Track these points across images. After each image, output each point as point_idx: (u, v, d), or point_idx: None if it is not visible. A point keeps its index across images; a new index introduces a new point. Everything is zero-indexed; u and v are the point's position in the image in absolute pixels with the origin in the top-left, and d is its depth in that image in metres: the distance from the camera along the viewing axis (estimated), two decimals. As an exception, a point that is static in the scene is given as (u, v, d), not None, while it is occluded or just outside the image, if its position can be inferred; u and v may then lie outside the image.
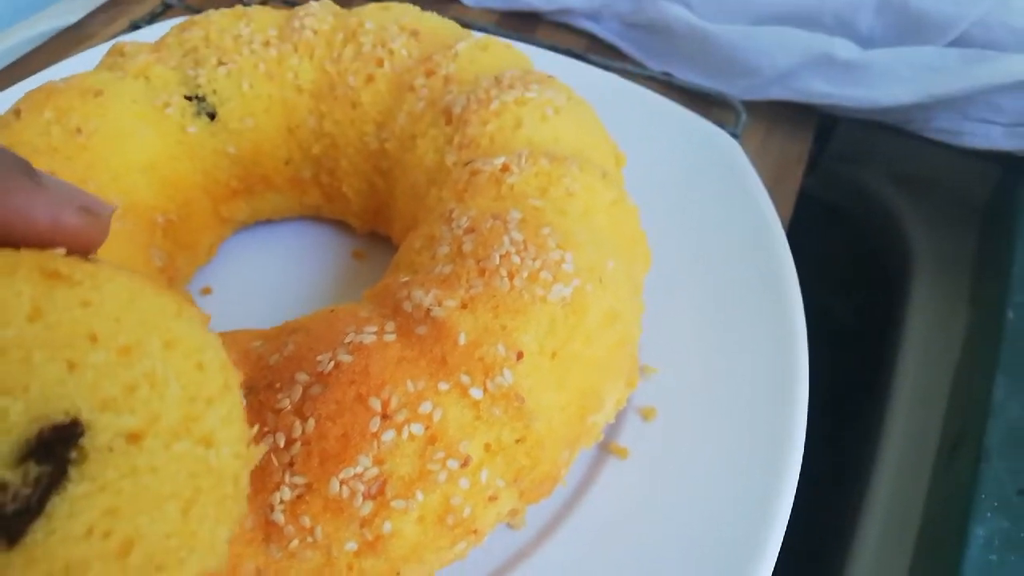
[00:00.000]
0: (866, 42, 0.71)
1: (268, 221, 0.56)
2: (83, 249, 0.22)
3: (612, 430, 0.44)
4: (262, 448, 0.25)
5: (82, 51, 0.69)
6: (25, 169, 0.21)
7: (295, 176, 0.53)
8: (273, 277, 0.53)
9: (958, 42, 0.69)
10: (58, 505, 0.20)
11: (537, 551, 0.41)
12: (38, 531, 0.19)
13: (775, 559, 0.40)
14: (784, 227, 0.55)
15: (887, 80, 0.68)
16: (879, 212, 0.78)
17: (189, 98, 0.49)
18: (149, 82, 0.49)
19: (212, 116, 0.49)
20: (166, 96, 0.49)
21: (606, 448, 0.44)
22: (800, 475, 0.43)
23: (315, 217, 0.57)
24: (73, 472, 0.20)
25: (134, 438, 0.21)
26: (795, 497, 0.42)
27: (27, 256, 0.21)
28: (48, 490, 0.20)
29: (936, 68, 0.67)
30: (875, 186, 0.79)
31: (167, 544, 0.21)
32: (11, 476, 0.19)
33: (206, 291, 0.52)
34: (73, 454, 0.20)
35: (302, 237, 0.56)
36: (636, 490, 0.43)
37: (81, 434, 0.20)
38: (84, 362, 0.20)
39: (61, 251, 0.21)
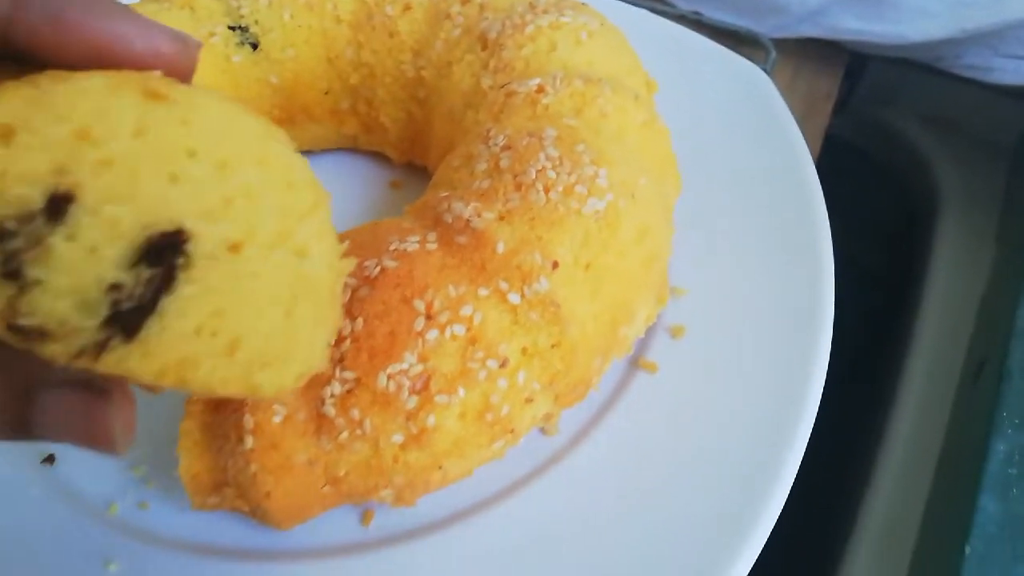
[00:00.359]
0: (897, -22, 0.71)
1: (307, 152, 0.58)
2: (176, 78, 0.24)
3: (643, 345, 0.46)
4: (352, 261, 0.27)
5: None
6: (120, 2, 0.23)
7: (334, 106, 0.54)
8: (313, 205, 0.55)
9: (991, -23, 0.69)
10: (169, 305, 0.22)
11: (569, 455, 0.42)
12: (152, 327, 0.21)
13: (795, 470, 0.41)
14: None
15: (917, 15, 0.68)
16: (908, 152, 0.78)
17: (233, 28, 0.51)
18: (194, 12, 0.50)
19: (255, 46, 0.51)
20: (211, 26, 0.50)
21: (636, 363, 0.46)
22: (826, 398, 0.44)
23: (353, 149, 0.58)
24: (181, 276, 0.22)
25: (235, 247, 0.23)
26: (821, 417, 0.43)
27: (129, 76, 0.22)
28: (159, 291, 0.21)
29: (967, 3, 0.67)
30: (904, 126, 0.79)
31: (271, 344, 0.23)
32: (126, 277, 0.21)
33: (250, 217, 0.54)
34: (180, 260, 0.22)
35: (341, 168, 0.58)
36: (664, 402, 0.44)
37: (185, 241, 0.22)
38: (185, 175, 0.22)
39: (158, 73, 0.23)
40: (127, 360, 0.21)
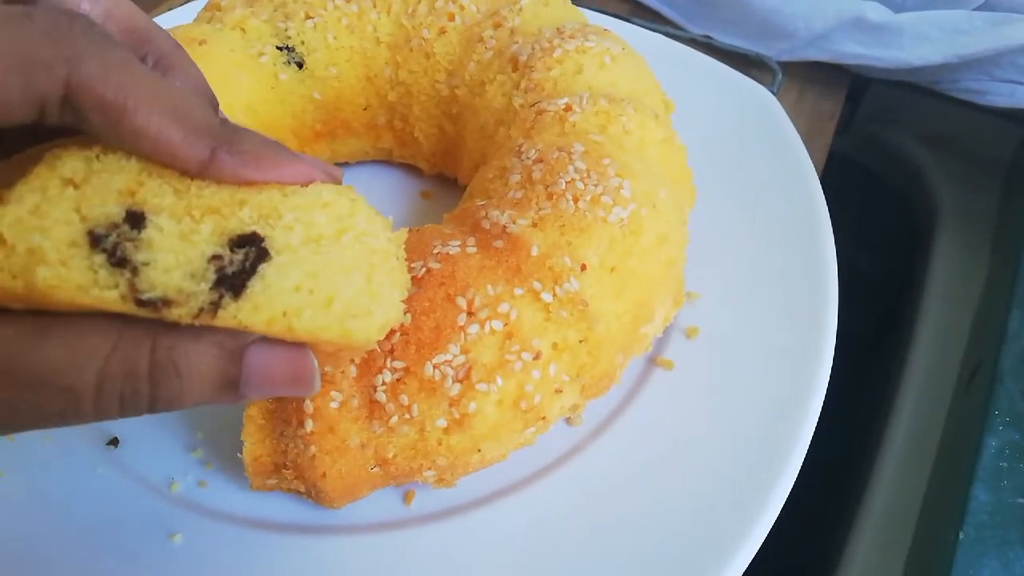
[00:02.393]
0: (897, 6, 0.75)
1: (345, 164, 0.62)
2: None
3: (660, 345, 0.50)
4: (403, 231, 0.32)
5: (160, 13, 0.75)
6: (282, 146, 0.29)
7: (372, 121, 0.58)
8: (350, 213, 0.59)
9: (985, 7, 0.73)
10: (267, 270, 0.26)
11: (593, 444, 0.46)
12: (255, 286, 0.26)
13: (801, 460, 0.44)
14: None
15: (916, 42, 0.72)
16: (908, 170, 0.82)
17: (280, 48, 0.55)
18: (245, 33, 0.54)
19: (300, 65, 0.55)
20: (260, 46, 0.54)
21: (654, 361, 0.49)
22: (832, 397, 0.48)
23: (386, 161, 0.62)
24: (272, 252, 0.27)
25: (307, 241, 0.28)
26: (828, 413, 0.47)
27: None
28: (257, 260, 0.26)
29: (963, 31, 0.71)
30: (904, 145, 0.83)
31: (358, 300, 0.27)
32: (223, 251, 0.26)
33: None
34: (264, 246, 0.27)
35: (375, 178, 0.62)
36: (679, 397, 0.48)
37: (263, 240, 0.27)
38: (251, 200, 0.28)
39: None
40: (239, 313, 0.26)
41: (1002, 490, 0.48)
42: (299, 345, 0.27)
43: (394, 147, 0.60)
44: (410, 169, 0.62)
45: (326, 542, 0.42)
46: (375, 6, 0.56)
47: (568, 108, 0.48)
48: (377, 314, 0.28)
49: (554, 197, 0.43)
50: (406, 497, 0.44)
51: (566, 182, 0.44)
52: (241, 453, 0.40)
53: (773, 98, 0.65)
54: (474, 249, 0.42)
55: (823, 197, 0.57)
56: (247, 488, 0.43)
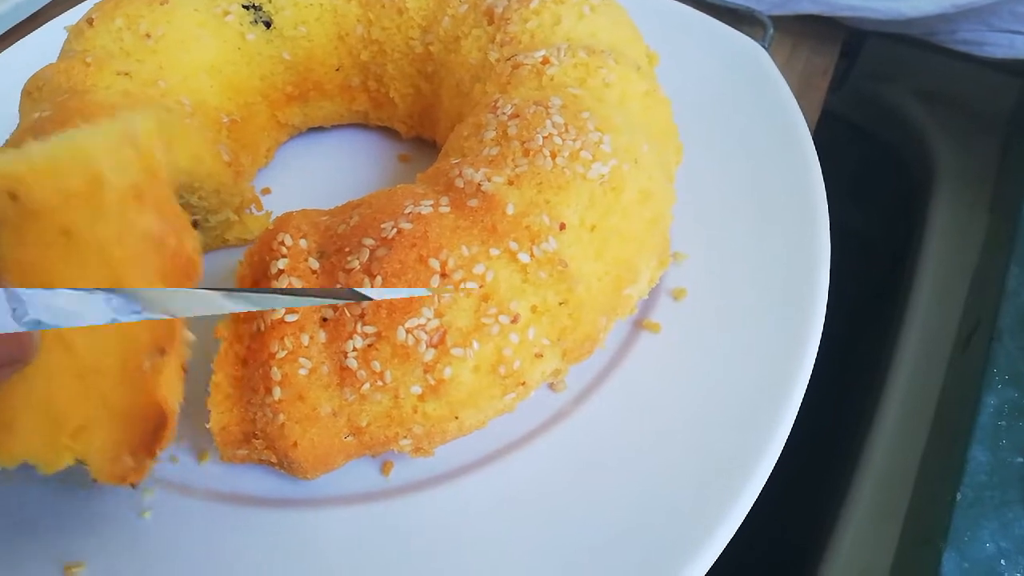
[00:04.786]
0: (892, -45, 0.72)
1: (319, 129, 0.60)
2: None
3: (646, 307, 0.48)
4: None
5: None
6: None
7: (345, 83, 0.56)
8: (326, 179, 0.57)
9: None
10: None
11: (577, 410, 0.44)
12: None
13: (791, 424, 0.43)
14: (808, 135, 0.58)
15: (912, -9, 0.69)
16: (904, 127, 0.80)
17: (247, 7, 0.52)
18: (209, -8, 0.52)
19: (268, 24, 0.53)
20: (225, 5, 0.52)
21: (640, 324, 0.48)
22: (827, 359, 0.46)
23: (362, 124, 0.60)
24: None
25: None
26: (823, 375, 0.45)
27: None
28: None
29: (961, -21, 0.68)
30: (900, 102, 0.81)
31: None
32: None
33: (266, 191, 0.56)
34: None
35: (352, 143, 0.60)
36: (667, 360, 0.46)
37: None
38: None
39: None
40: None
41: (1001, 449, 0.46)
42: None
43: (369, 109, 0.58)
44: (387, 132, 0.60)
45: (301, 515, 0.41)
46: (345, -39, 0.54)
47: (545, 61, 0.46)
48: None
49: (531, 153, 0.41)
50: (384, 468, 0.42)
51: (543, 137, 0.42)
52: (208, 422, 0.38)
53: (764, 53, 0.62)
54: (447, 209, 0.40)
55: (816, 154, 0.55)
56: (219, 462, 0.41)
